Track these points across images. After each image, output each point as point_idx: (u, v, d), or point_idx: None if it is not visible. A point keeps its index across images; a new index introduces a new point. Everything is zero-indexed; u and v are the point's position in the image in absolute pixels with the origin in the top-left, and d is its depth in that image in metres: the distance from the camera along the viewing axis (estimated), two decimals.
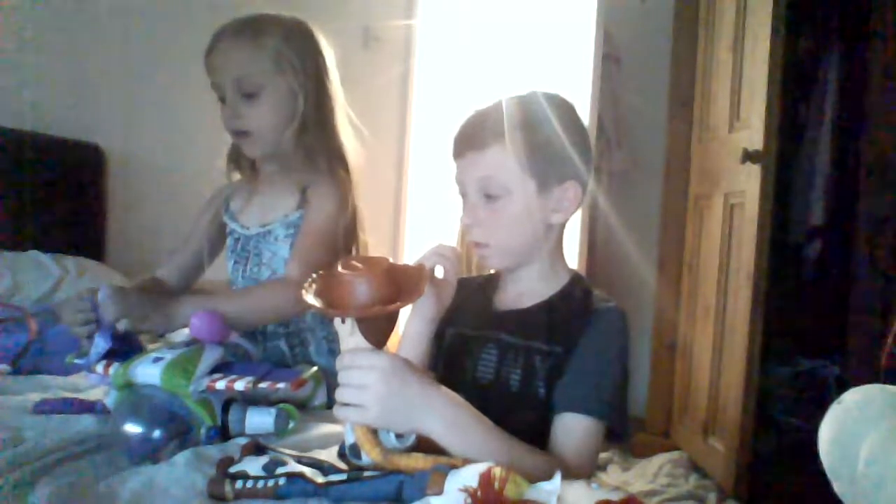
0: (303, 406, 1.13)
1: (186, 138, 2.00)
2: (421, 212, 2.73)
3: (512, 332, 0.93)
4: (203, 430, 0.89)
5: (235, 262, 1.33)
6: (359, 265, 0.73)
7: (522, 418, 0.86)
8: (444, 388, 0.79)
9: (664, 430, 2.30)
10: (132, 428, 0.84)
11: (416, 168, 2.75)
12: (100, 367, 0.94)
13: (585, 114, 2.02)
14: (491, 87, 2.24)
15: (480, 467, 0.62)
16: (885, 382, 0.72)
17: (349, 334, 0.76)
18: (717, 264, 2.01)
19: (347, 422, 0.77)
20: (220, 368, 0.94)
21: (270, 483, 0.71)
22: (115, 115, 2.08)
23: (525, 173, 0.90)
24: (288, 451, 0.80)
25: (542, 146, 0.90)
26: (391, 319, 0.77)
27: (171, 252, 1.41)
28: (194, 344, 0.96)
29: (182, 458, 0.80)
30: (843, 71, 2.46)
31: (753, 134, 1.82)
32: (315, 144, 1.27)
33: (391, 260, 0.77)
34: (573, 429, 0.85)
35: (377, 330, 0.76)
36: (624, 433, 0.89)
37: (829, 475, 0.69)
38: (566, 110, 0.94)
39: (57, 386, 1.15)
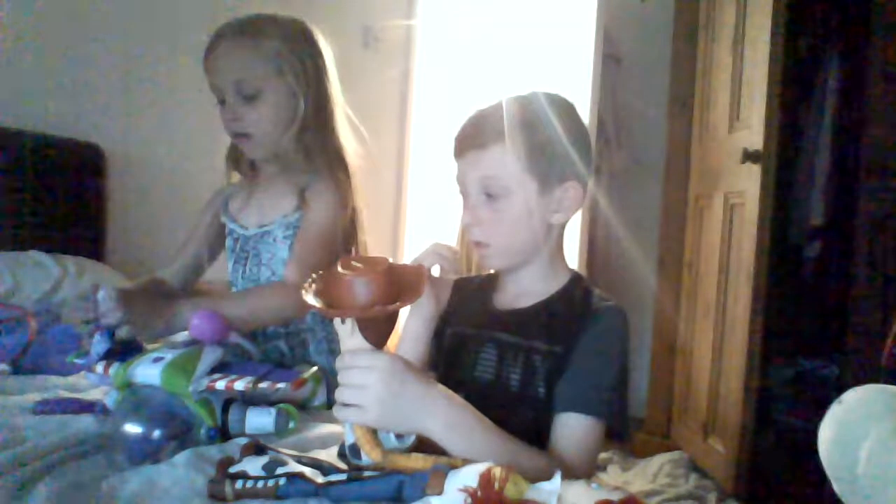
0: (303, 406, 1.13)
1: (186, 138, 2.00)
2: (421, 212, 2.73)
3: (511, 331, 0.93)
4: (203, 430, 0.89)
5: (235, 263, 1.33)
6: (358, 265, 0.73)
7: (522, 418, 0.86)
8: (443, 389, 0.79)
9: (664, 430, 2.30)
10: (132, 428, 0.84)
11: (416, 168, 2.76)
12: (100, 367, 0.94)
13: (585, 114, 2.03)
14: (491, 87, 2.24)
15: (480, 467, 0.62)
16: (885, 382, 0.72)
17: (349, 334, 0.76)
18: (717, 264, 2.01)
19: (347, 422, 0.77)
20: (220, 368, 0.94)
21: (270, 483, 0.71)
22: (115, 115, 2.08)
23: (526, 173, 0.90)
24: (288, 451, 0.80)
25: (542, 146, 0.90)
26: (391, 320, 0.77)
27: (173, 253, 1.41)
28: (194, 344, 0.96)
29: (182, 458, 0.80)
30: (843, 71, 2.45)
31: (753, 134, 1.82)
32: (314, 145, 1.27)
33: (391, 260, 0.77)
34: (573, 428, 0.85)
35: (377, 330, 0.76)
36: (624, 433, 0.89)
37: (829, 475, 0.69)
38: (567, 110, 0.94)
39: (57, 386, 1.15)
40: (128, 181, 2.10)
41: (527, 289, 0.97)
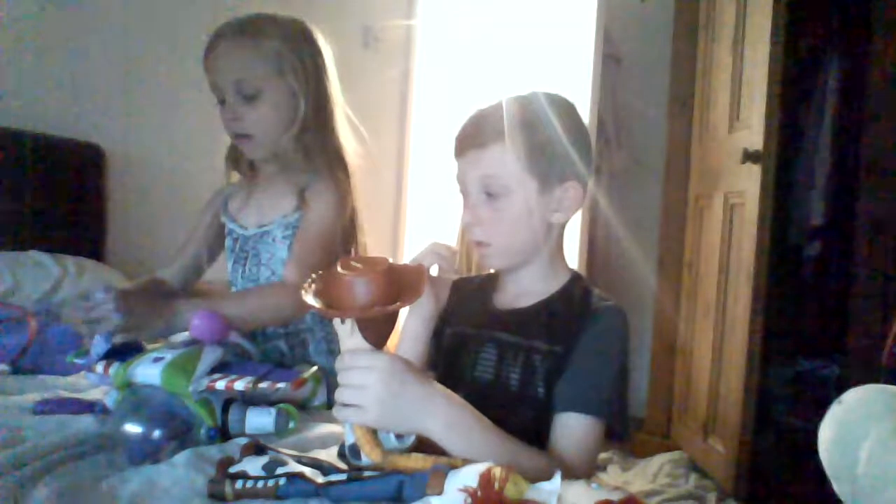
0: (303, 406, 1.13)
1: (186, 138, 2.00)
2: (421, 212, 2.73)
3: (511, 331, 0.93)
4: (203, 430, 0.89)
5: (235, 263, 1.33)
6: (358, 265, 0.73)
7: (522, 418, 0.86)
8: (443, 389, 0.79)
9: (664, 430, 2.30)
10: (132, 428, 0.84)
11: (416, 168, 2.75)
12: (100, 367, 0.94)
13: (585, 114, 2.03)
14: (491, 87, 2.24)
15: (480, 467, 0.62)
16: (885, 382, 0.72)
17: (349, 335, 0.76)
18: (717, 264, 2.01)
19: (347, 422, 0.77)
20: (220, 368, 0.94)
21: (270, 483, 0.71)
22: (115, 115, 2.08)
23: (526, 172, 0.90)
24: (288, 451, 0.80)
25: (542, 146, 0.90)
26: (391, 320, 0.77)
27: (173, 253, 1.41)
28: (194, 344, 0.96)
29: (182, 458, 0.80)
30: (843, 71, 2.45)
31: (753, 134, 1.82)
32: (314, 145, 1.27)
33: (391, 260, 0.76)
34: (573, 428, 0.85)
35: (377, 330, 0.76)
36: (624, 432, 0.89)
37: (829, 475, 0.69)
38: (567, 110, 0.94)
39: (57, 386, 1.15)
40: (128, 181, 2.10)
41: (527, 288, 0.97)
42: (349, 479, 0.70)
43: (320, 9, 1.51)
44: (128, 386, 0.91)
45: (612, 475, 1.14)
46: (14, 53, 1.90)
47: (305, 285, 0.75)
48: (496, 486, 0.60)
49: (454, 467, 0.66)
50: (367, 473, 0.71)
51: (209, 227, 1.40)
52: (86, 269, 1.78)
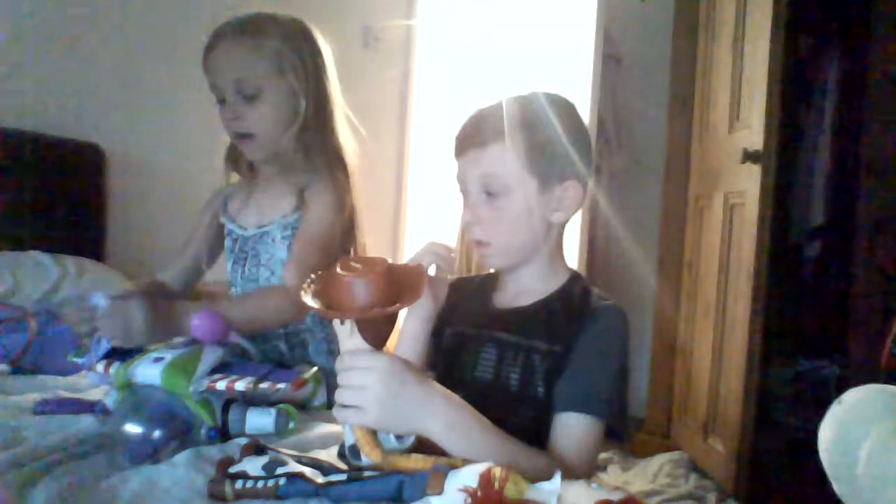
0: (303, 406, 1.13)
1: (186, 138, 2.00)
2: (421, 212, 2.73)
3: (511, 331, 0.93)
4: (203, 430, 0.89)
5: (234, 263, 1.33)
6: (357, 266, 0.73)
7: (522, 418, 0.86)
8: (443, 389, 0.79)
9: (664, 430, 2.30)
10: (132, 428, 0.84)
11: (416, 168, 2.75)
12: (100, 367, 0.94)
13: (585, 114, 2.03)
14: (491, 87, 2.24)
15: (480, 467, 0.62)
16: (885, 382, 0.72)
17: (348, 335, 0.76)
18: (717, 264, 2.01)
19: (347, 423, 0.77)
20: (221, 369, 0.94)
21: (270, 483, 0.71)
22: (115, 115, 2.07)
23: (526, 171, 0.90)
24: (288, 452, 0.80)
25: (542, 145, 0.90)
26: (390, 320, 0.77)
27: (173, 254, 1.41)
28: (194, 344, 0.96)
29: (182, 458, 0.80)
30: (843, 71, 2.45)
31: (753, 134, 1.82)
32: (314, 145, 1.27)
33: (390, 260, 0.76)
34: (573, 428, 0.85)
35: (376, 331, 0.76)
36: (624, 432, 0.90)
37: (829, 475, 0.69)
38: (567, 110, 0.94)
39: (57, 386, 1.15)
40: (128, 181, 2.10)
41: (526, 288, 0.97)
42: (349, 480, 0.70)
43: (320, 9, 1.51)
44: (128, 386, 0.91)
45: (612, 475, 1.14)
46: (14, 53, 1.90)
47: (305, 286, 0.74)
48: (496, 486, 0.60)
49: (454, 467, 0.66)
50: (367, 473, 0.71)
51: (209, 228, 1.40)
52: (86, 269, 1.78)
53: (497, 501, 0.59)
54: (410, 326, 0.89)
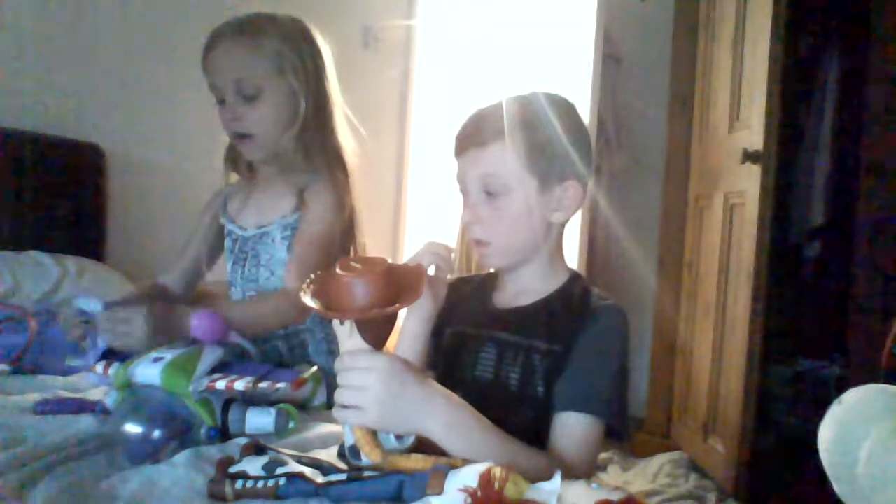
0: (303, 406, 1.13)
1: (186, 138, 2.00)
2: (421, 212, 2.73)
3: (511, 330, 0.93)
4: (203, 430, 0.89)
5: (234, 264, 1.33)
6: (357, 266, 0.73)
7: (521, 417, 0.86)
8: (442, 389, 0.79)
9: (664, 430, 2.30)
10: (132, 428, 0.84)
11: (416, 168, 2.75)
12: (99, 367, 0.94)
13: (585, 114, 2.03)
14: (491, 87, 2.24)
15: (480, 467, 0.62)
16: (885, 382, 0.72)
17: (348, 336, 0.76)
18: (717, 264, 2.01)
19: (347, 423, 0.77)
20: (220, 368, 0.94)
21: (270, 483, 0.71)
22: (115, 115, 2.07)
23: (526, 171, 0.90)
24: (288, 451, 0.80)
25: (542, 145, 0.90)
26: (390, 321, 0.77)
27: (174, 256, 1.41)
28: (194, 344, 0.96)
29: (182, 458, 0.80)
30: (843, 71, 2.46)
31: (753, 134, 1.82)
32: (313, 145, 1.27)
33: (389, 260, 0.76)
34: (572, 427, 0.85)
35: (376, 331, 0.76)
36: (624, 432, 0.89)
37: (829, 475, 0.69)
38: (567, 110, 0.95)
39: (57, 386, 1.15)
40: (128, 181, 2.10)
41: (526, 287, 0.97)
42: (349, 479, 0.70)
43: (320, 9, 1.51)
44: (128, 386, 0.91)
45: (612, 475, 1.14)
46: (14, 53, 1.90)
47: (304, 286, 0.74)
48: (496, 486, 0.60)
49: (454, 467, 0.66)
50: (367, 473, 0.71)
51: (208, 229, 1.40)
52: (86, 269, 1.78)
53: (497, 501, 0.59)
54: (410, 326, 0.89)
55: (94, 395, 1.09)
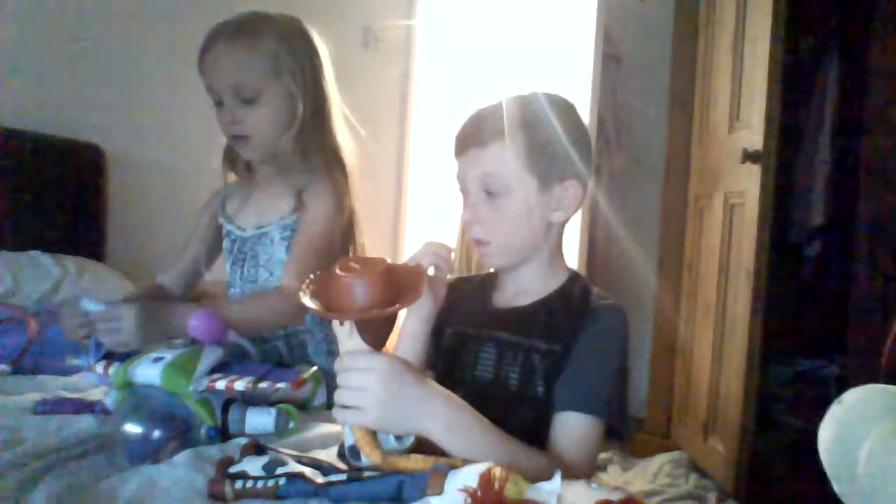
0: (303, 406, 1.13)
1: (186, 138, 2.00)
2: (421, 212, 2.73)
3: (510, 330, 0.93)
4: (203, 430, 0.89)
5: (233, 264, 1.33)
6: (356, 266, 0.73)
7: (521, 417, 0.86)
8: (442, 389, 0.79)
9: (664, 430, 2.30)
10: (132, 428, 0.84)
11: (416, 168, 2.75)
12: (99, 367, 0.94)
13: (585, 114, 2.03)
14: (491, 87, 2.24)
15: (480, 467, 0.62)
16: (885, 382, 0.72)
17: (347, 336, 0.76)
18: (717, 264, 2.01)
19: (346, 424, 0.77)
20: (220, 368, 0.94)
21: (270, 483, 0.71)
22: (115, 115, 2.07)
23: (525, 171, 0.90)
24: (288, 451, 0.80)
25: (542, 145, 0.90)
26: (390, 321, 0.77)
27: (173, 256, 1.40)
28: (194, 344, 0.96)
29: (182, 458, 0.80)
30: (843, 71, 2.46)
31: (753, 134, 1.82)
32: (312, 146, 1.26)
33: (389, 261, 0.76)
34: (572, 427, 0.85)
35: (375, 332, 0.76)
36: (624, 431, 0.89)
37: (829, 475, 0.69)
38: (567, 110, 0.95)
39: (57, 386, 1.15)
40: (128, 181, 2.10)
41: (526, 287, 0.97)
42: (349, 480, 0.70)
43: (320, 9, 1.51)
44: (128, 386, 0.91)
45: (612, 475, 1.14)
46: (14, 53, 1.90)
47: (304, 286, 0.74)
48: (496, 486, 0.60)
49: (454, 467, 0.66)
50: (367, 473, 0.71)
51: (207, 230, 1.39)
52: (86, 269, 1.78)
53: (497, 501, 0.59)
54: (410, 326, 0.89)
55: (94, 395, 1.09)
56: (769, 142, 1.77)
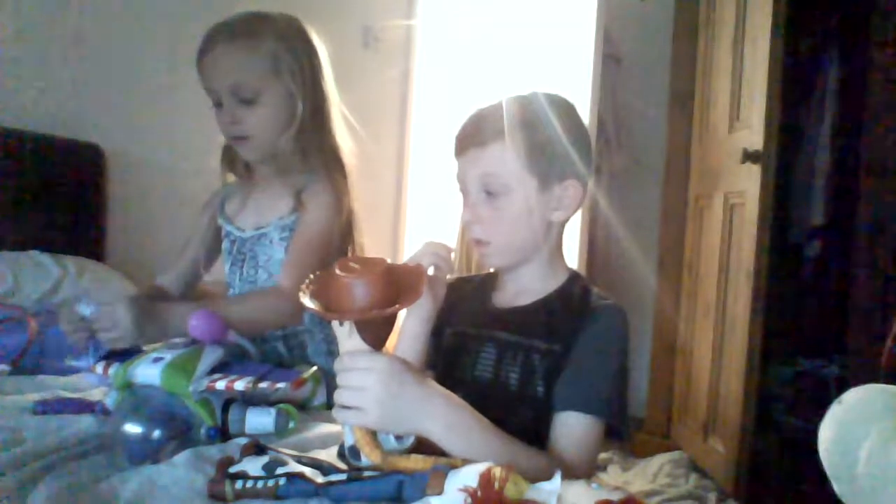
0: (303, 406, 1.12)
1: (186, 138, 2.00)
2: (421, 212, 2.73)
3: (510, 330, 0.93)
4: (203, 430, 0.89)
5: (232, 265, 1.32)
6: (356, 266, 0.72)
7: (521, 417, 0.86)
8: (442, 389, 0.79)
9: (664, 430, 2.30)
10: (132, 428, 0.84)
11: (416, 168, 2.76)
12: (99, 368, 0.94)
13: (585, 114, 2.03)
14: (491, 87, 2.24)
15: (480, 467, 0.62)
16: (885, 382, 0.72)
17: (347, 336, 0.76)
18: (717, 264, 2.01)
19: (346, 424, 0.77)
20: (220, 368, 0.94)
21: (270, 483, 0.71)
22: (115, 115, 2.07)
23: (525, 171, 0.90)
24: (288, 451, 0.80)
25: (542, 145, 0.90)
26: (390, 321, 0.77)
27: (173, 257, 1.40)
28: (194, 344, 0.96)
29: (182, 458, 0.80)
30: (843, 71, 2.45)
31: (753, 134, 1.82)
32: (311, 146, 1.25)
33: (389, 261, 0.76)
34: (572, 427, 0.85)
35: (375, 332, 0.75)
36: (624, 431, 0.90)
37: (829, 475, 0.69)
38: (567, 110, 0.95)
39: (57, 386, 1.15)
40: (128, 181, 2.10)
41: (526, 287, 0.97)
42: (349, 479, 0.70)
43: (320, 9, 1.51)
44: (128, 386, 0.91)
45: (612, 475, 1.14)
46: (14, 53, 1.90)
47: (303, 287, 0.74)
48: (496, 486, 0.60)
49: (454, 467, 0.66)
50: (367, 473, 0.71)
51: (207, 230, 1.39)
52: (86, 269, 1.78)
53: (497, 501, 0.59)
54: (410, 326, 0.89)
55: (94, 395, 1.09)
56: (769, 142, 1.77)
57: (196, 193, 1.48)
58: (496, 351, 0.92)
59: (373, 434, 0.75)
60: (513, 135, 0.89)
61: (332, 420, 1.02)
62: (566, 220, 0.97)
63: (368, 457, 0.74)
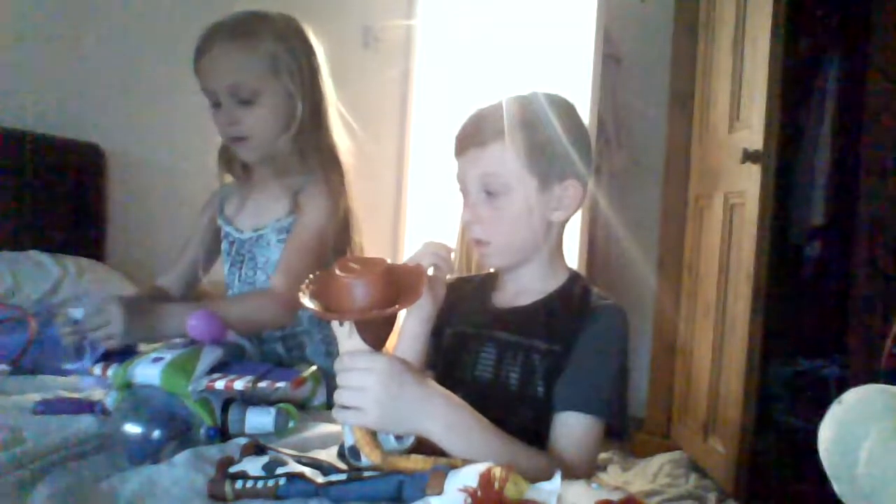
0: (302, 406, 1.12)
1: (186, 138, 1.99)
2: (421, 212, 2.73)
3: (510, 330, 0.93)
4: (203, 430, 0.89)
5: (231, 266, 1.32)
6: (356, 267, 0.72)
7: (521, 417, 0.86)
8: (442, 390, 0.79)
9: (664, 430, 2.30)
10: (132, 428, 0.84)
11: (416, 168, 2.76)
12: (98, 369, 0.94)
13: (585, 114, 2.03)
14: (491, 87, 2.24)
15: (480, 467, 0.62)
16: (885, 382, 0.72)
17: (347, 336, 0.76)
18: (717, 264, 2.01)
19: (346, 424, 0.77)
20: (220, 368, 0.94)
21: (270, 483, 0.71)
22: (115, 115, 2.07)
23: (525, 171, 0.90)
24: (288, 451, 0.80)
25: (542, 145, 0.90)
26: (389, 321, 0.77)
27: (174, 257, 1.40)
28: (193, 344, 0.96)
29: (182, 458, 0.80)
30: (843, 71, 2.45)
31: (753, 134, 1.82)
32: (309, 146, 1.25)
33: (389, 261, 0.76)
34: (572, 427, 0.85)
35: (375, 332, 0.75)
36: (624, 431, 0.90)
37: (829, 475, 0.69)
38: (567, 110, 0.95)
39: (57, 386, 1.15)
40: (128, 181, 2.10)
41: (526, 287, 0.97)
42: (349, 479, 0.70)
43: (320, 9, 1.51)
44: (127, 386, 0.91)
45: (612, 475, 1.14)
46: (14, 53, 1.90)
47: (303, 287, 0.74)
48: (496, 486, 0.60)
49: (454, 467, 0.66)
50: (367, 473, 0.71)
51: (206, 231, 1.38)
52: (86, 269, 1.78)
53: (497, 501, 0.59)
54: (410, 326, 0.89)
55: (95, 395, 1.09)
56: (769, 142, 1.77)
57: (196, 193, 1.48)
58: (496, 351, 0.92)
59: (373, 434, 0.75)
60: (513, 135, 0.89)
61: (332, 420, 1.02)
62: (566, 220, 0.97)
63: (368, 457, 0.74)
